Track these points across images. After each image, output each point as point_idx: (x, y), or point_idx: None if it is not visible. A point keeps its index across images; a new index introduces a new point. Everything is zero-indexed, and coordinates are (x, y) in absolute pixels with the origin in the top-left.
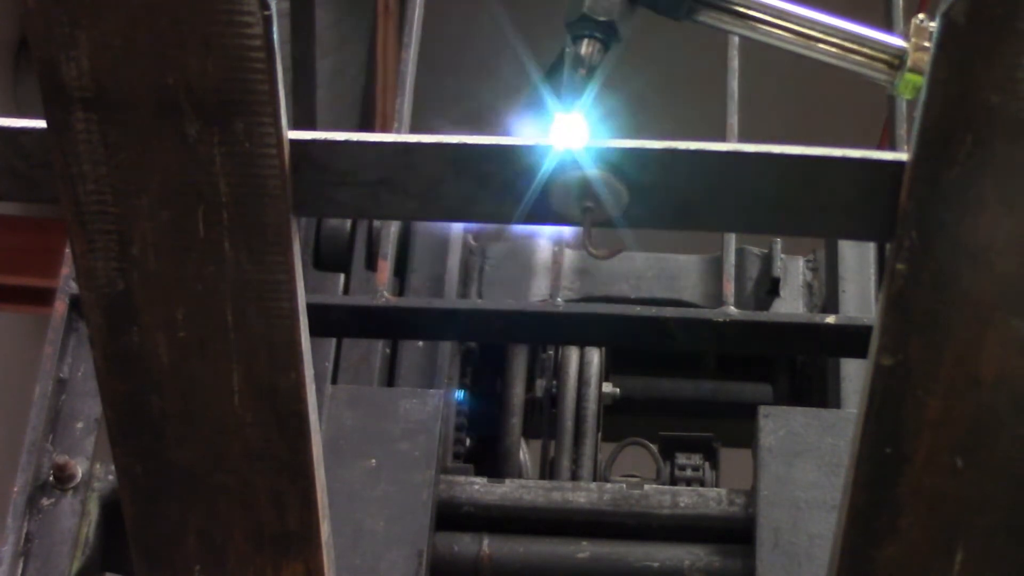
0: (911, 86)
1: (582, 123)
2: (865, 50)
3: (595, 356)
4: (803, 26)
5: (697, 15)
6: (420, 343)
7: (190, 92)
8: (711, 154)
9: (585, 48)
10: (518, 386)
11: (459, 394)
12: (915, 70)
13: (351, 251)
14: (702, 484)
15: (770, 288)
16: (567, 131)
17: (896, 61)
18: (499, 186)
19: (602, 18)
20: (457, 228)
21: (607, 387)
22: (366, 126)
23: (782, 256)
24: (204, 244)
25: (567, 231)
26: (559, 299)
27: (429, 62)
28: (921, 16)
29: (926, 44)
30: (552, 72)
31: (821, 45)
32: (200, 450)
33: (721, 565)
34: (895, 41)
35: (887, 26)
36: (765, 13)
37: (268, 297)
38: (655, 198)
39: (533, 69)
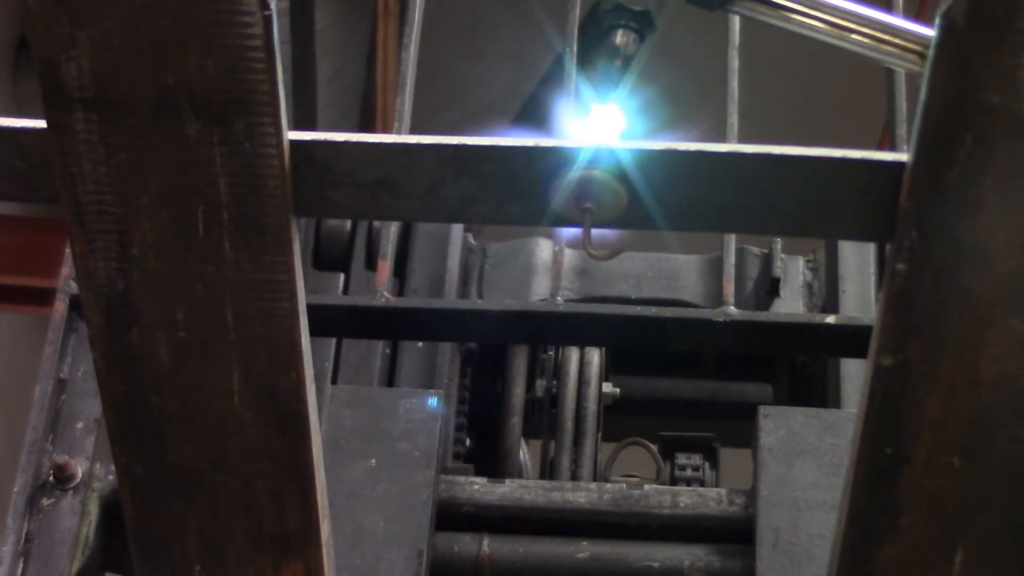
0: None
1: (618, 114)
2: (897, 40)
3: (595, 356)
4: (836, 16)
5: (732, 5)
6: (420, 343)
7: (190, 92)
8: (711, 155)
9: (620, 38)
10: (518, 386)
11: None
12: None
13: (351, 251)
14: (702, 484)
15: (770, 288)
16: (603, 122)
17: (928, 52)
18: (499, 186)
19: (637, 8)
20: (457, 228)
21: (607, 387)
22: (366, 126)
23: (782, 256)
24: (204, 244)
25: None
26: (559, 299)
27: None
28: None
29: None
30: (584, 62)
31: (854, 36)
32: (200, 450)
33: (721, 565)
34: (927, 31)
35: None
36: (799, 3)
37: (268, 297)
38: (655, 199)
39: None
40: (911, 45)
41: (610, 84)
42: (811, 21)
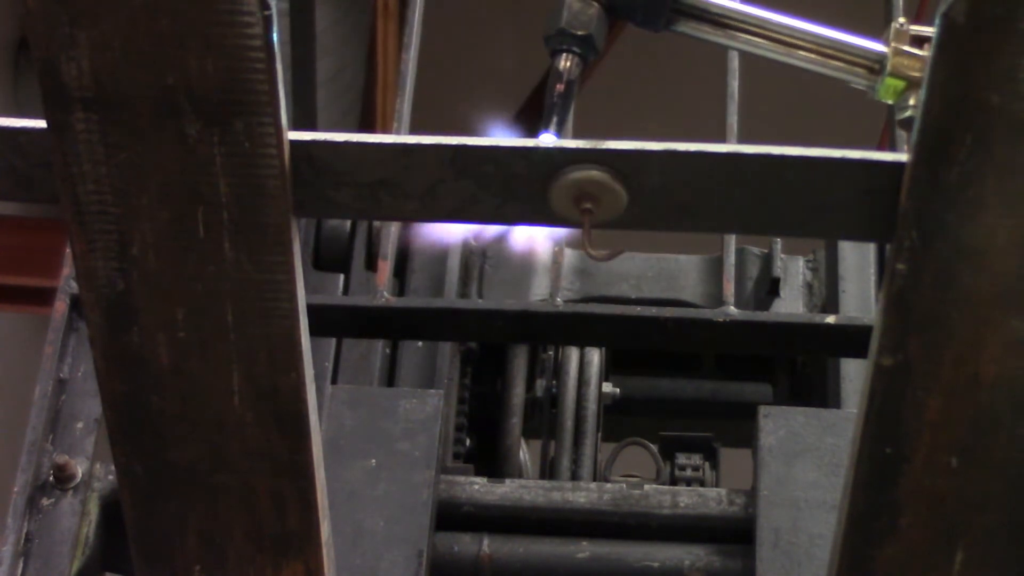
0: (891, 90)
1: (564, 138)
2: (845, 56)
3: (595, 356)
4: (783, 34)
5: (676, 26)
6: (420, 343)
7: (190, 92)
8: (711, 155)
9: (563, 63)
10: (518, 386)
11: None
12: (895, 74)
13: (351, 251)
14: (702, 484)
15: (770, 288)
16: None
17: (876, 66)
18: (499, 187)
19: (580, 32)
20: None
21: (607, 387)
22: (366, 126)
23: (782, 256)
24: (204, 244)
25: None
26: (559, 299)
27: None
28: (901, 20)
29: (905, 48)
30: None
31: (801, 52)
32: (200, 450)
33: (721, 565)
34: (875, 46)
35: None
36: (744, 22)
37: (268, 297)
38: (655, 199)
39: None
40: (859, 60)
41: (554, 109)
42: (757, 39)
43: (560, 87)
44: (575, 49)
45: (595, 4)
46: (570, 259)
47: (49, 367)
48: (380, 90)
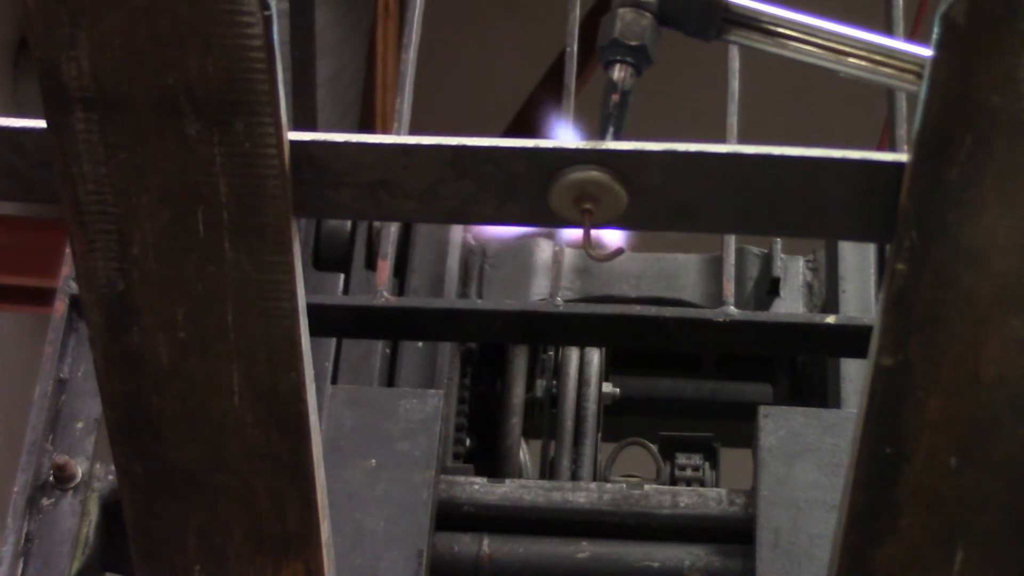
0: None
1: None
2: (894, 62)
3: (595, 356)
4: (833, 41)
5: (728, 35)
6: (420, 343)
7: (190, 92)
8: (711, 155)
9: (617, 73)
10: (518, 386)
11: None
12: None
13: (351, 251)
14: (702, 484)
15: (770, 288)
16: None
17: (924, 71)
18: (499, 186)
19: (633, 43)
20: (457, 228)
21: (607, 387)
22: (366, 126)
23: (782, 256)
24: (204, 244)
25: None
26: (559, 299)
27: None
28: None
29: None
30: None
31: (851, 59)
32: (200, 450)
33: (721, 565)
34: (923, 51)
35: (887, 28)
36: (795, 30)
37: (268, 297)
38: (655, 199)
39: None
40: (908, 66)
41: (609, 119)
42: (807, 47)
43: (615, 97)
44: (628, 59)
45: (648, 15)
46: (570, 259)
47: (49, 367)
48: (380, 90)
